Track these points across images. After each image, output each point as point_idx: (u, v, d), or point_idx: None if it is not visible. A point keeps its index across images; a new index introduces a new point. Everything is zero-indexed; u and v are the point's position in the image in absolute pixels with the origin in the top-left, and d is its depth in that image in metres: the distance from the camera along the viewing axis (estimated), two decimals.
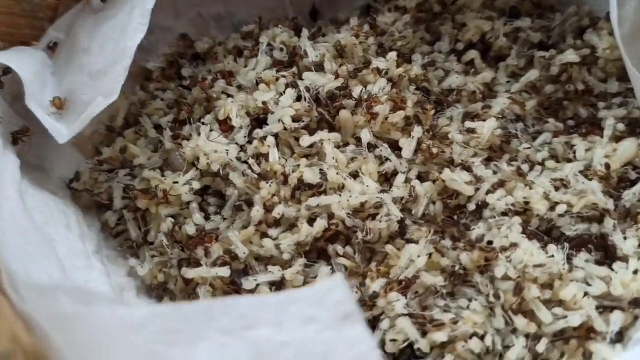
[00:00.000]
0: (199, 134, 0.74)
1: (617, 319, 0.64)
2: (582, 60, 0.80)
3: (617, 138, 0.76)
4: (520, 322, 0.64)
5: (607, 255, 0.70)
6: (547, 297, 0.65)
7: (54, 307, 0.42)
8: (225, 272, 0.66)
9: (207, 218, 0.73)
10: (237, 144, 0.74)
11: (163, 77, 0.83)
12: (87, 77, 0.72)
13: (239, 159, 0.73)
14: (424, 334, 0.64)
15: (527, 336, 0.64)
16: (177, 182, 0.72)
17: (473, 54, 0.82)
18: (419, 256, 0.66)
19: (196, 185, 0.73)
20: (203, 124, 0.76)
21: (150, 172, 0.74)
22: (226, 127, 0.75)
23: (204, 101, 0.78)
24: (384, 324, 0.64)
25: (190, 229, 0.71)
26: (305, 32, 0.82)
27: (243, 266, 0.68)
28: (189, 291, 0.69)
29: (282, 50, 0.80)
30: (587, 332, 0.64)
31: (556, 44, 0.83)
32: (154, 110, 0.79)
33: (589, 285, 0.67)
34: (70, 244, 0.67)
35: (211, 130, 0.75)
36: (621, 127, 0.76)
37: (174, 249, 0.70)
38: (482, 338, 0.64)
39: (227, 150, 0.73)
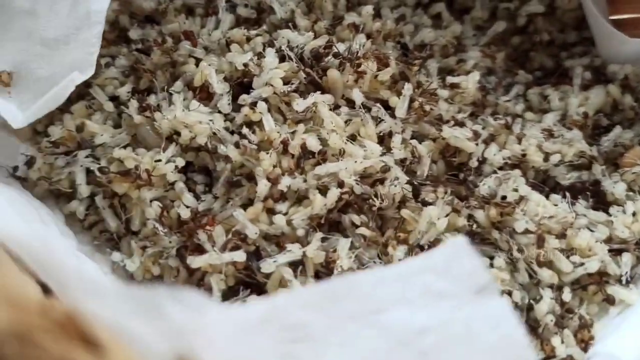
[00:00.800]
0: (172, 104, 0.64)
1: (627, 260, 0.65)
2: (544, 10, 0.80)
3: (585, 86, 0.77)
4: (545, 274, 0.63)
5: (600, 200, 0.71)
6: (563, 246, 0.65)
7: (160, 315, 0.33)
8: (240, 256, 0.58)
9: (195, 198, 0.64)
10: (220, 112, 0.65)
11: (106, 42, 0.70)
12: (40, 45, 0.60)
13: (226, 129, 0.64)
14: None
15: (550, 287, 0.64)
16: (159, 160, 0.62)
17: (440, 7, 0.78)
18: (438, 218, 0.63)
19: (180, 162, 0.63)
20: (174, 92, 0.66)
21: (120, 151, 0.63)
22: (204, 94, 0.66)
23: (167, 66, 0.68)
24: None
25: (183, 212, 0.61)
26: None
27: (253, 248, 0.61)
28: (194, 283, 0.60)
29: (245, 5, 0.72)
30: (601, 277, 0.65)
31: None
32: (105, 80, 0.68)
33: (592, 231, 0.67)
34: (59, 242, 0.55)
35: (185, 99, 0.66)
36: (588, 75, 0.77)
37: (172, 236, 0.60)
38: (509, 294, 0.62)
39: (211, 120, 0.64)
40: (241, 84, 0.66)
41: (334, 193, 0.61)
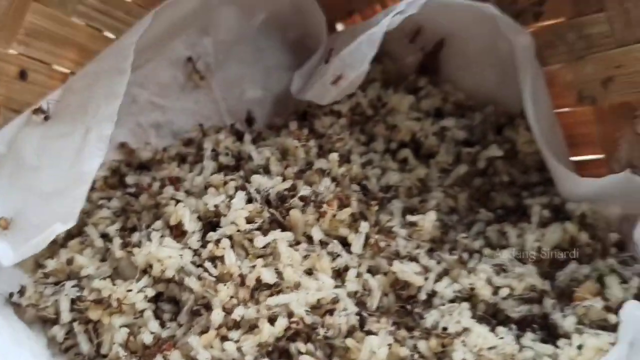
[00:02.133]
0: (150, 240, 0.73)
1: None
2: (505, 154, 0.86)
3: (543, 224, 0.81)
4: None
5: (550, 333, 0.72)
6: None
7: None
8: None
9: (162, 325, 0.70)
10: (190, 248, 0.73)
11: (106, 186, 0.81)
12: (38, 197, 0.70)
13: (193, 263, 0.71)
14: None
15: None
16: (130, 290, 0.70)
17: (406, 152, 0.86)
18: (379, 347, 0.66)
19: (150, 292, 0.71)
20: (153, 230, 0.74)
21: (100, 282, 0.71)
22: (178, 232, 0.74)
23: (152, 207, 0.77)
24: None
25: (146, 338, 0.68)
26: (247, 137, 0.84)
27: None
28: None
29: (227, 154, 0.81)
30: None
31: (479, 140, 0.88)
32: (99, 220, 0.77)
33: None
34: None
35: (162, 237, 0.74)
36: (546, 213, 0.81)
37: (132, 359, 0.67)
38: None
39: (181, 255, 0.71)
40: (211, 223, 0.74)
41: (282, 322, 0.66)
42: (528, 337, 0.71)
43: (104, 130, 0.71)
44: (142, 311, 0.70)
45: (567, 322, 0.72)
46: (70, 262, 0.74)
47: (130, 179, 0.81)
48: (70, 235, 0.77)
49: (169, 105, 0.89)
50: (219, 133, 0.84)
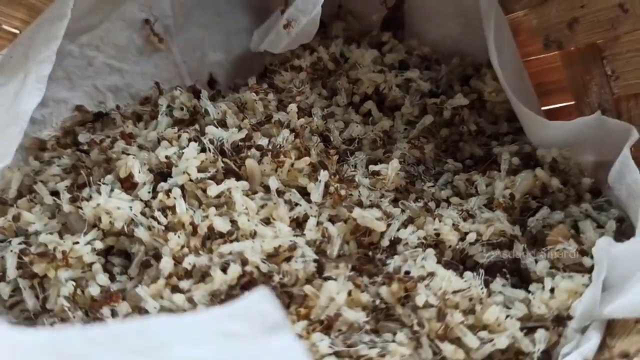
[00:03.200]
0: (99, 194, 0.69)
1: (541, 337, 0.62)
2: (471, 105, 0.82)
3: (513, 171, 0.77)
4: (447, 348, 0.60)
5: (522, 278, 0.69)
6: (471, 322, 0.62)
7: None
8: None
9: (112, 279, 0.66)
10: (141, 200, 0.69)
11: (59, 146, 0.77)
12: None
13: (143, 214, 0.68)
14: None
15: None
16: (77, 243, 0.66)
17: (369, 104, 0.82)
18: (338, 293, 0.62)
19: (98, 245, 0.67)
20: (103, 184, 0.70)
21: (46, 236, 0.67)
22: (128, 184, 0.70)
23: (103, 163, 0.73)
24: None
25: (94, 290, 0.64)
26: (205, 93, 0.80)
27: None
28: None
29: (182, 109, 0.78)
30: (515, 355, 0.62)
31: (445, 92, 0.85)
32: (49, 177, 0.73)
33: (509, 308, 0.65)
34: None
35: (112, 190, 0.70)
36: (516, 160, 0.77)
37: (76, 311, 0.63)
38: None
39: (131, 206, 0.67)
40: (162, 174, 0.70)
41: (234, 269, 0.62)
42: (498, 283, 0.67)
43: (42, 71, 0.68)
44: (90, 264, 0.66)
45: (540, 266, 0.68)
46: (16, 219, 0.70)
47: (82, 137, 0.77)
48: (20, 195, 0.74)
49: (127, 68, 0.86)
50: (176, 90, 0.80)
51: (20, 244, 0.68)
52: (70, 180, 0.73)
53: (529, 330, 0.63)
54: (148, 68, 0.88)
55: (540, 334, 0.62)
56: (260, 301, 0.42)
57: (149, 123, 0.79)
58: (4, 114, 0.68)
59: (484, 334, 0.62)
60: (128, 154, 0.73)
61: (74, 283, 0.65)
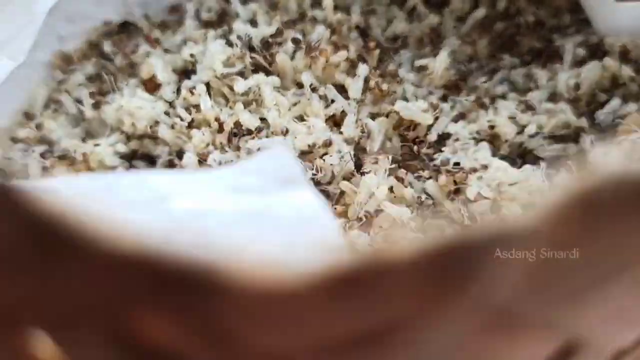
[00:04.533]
0: (122, 97, 0.64)
1: None
2: None
3: (578, 63, 0.67)
4: None
5: None
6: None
7: None
8: None
9: None
10: (165, 100, 0.63)
11: (84, 58, 0.72)
12: None
13: (167, 114, 0.62)
14: None
15: None
16: (98, 145, 0.61)
17: (414, 0, 0.74)
18: (378, 187, 0.55)
19: (121, 149, 0.62)
20: (125, 86, 0.65)
21: (68, 140, 0.62)
22: (152, 85, 0.64)
23: (127, 68, 0.68)
24: None
25: None
26: None
27: None
28: None
29: (209, 11, 0.72)
30: None
31: None
32: (74, 86, 0.69)
33: None
34: None
35: (135, 92, 0.64)
36: (581, 51, 0.68)
37: None
38: None
39: (153, 107, 0.62)
40: (187, 72, 0.65)
41: None
42: (563, 177, 0.58)
43: None
44: (113, 168, 0.61)
45: (610, 158, 0.59)
46: (39, 127, 0.65)
47: (108, 46, 0.72)
48: (47, 108, 0.69)
49: None
50: None
51: (44, 153, 0.64)
52: (95, 88, 0.68)
53: None
54: None
55: None
56: (276, 156, 0.36)
57: (176, 30, 0.73)
58: (20, 14, 0.63)
59: None
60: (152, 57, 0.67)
61: None
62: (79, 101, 0.68)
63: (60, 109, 0.68)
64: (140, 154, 0.63)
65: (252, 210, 0.34)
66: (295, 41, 0.65)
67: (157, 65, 0.64)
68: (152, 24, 0.74)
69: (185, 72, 0.65)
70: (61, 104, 0.68)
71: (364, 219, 0.54)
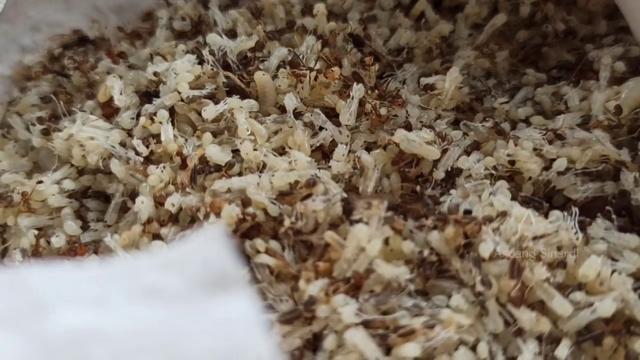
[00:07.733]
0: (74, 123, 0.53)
1: None
2: None
3: (617, 80, 0.55)
4: (525, 316, 0.41)
5: (632, 219, 0.48)
6: (560, 280, 0.43)
7: None
8: None
9: (86, 228, 0.51)
10: (122, 128, 0.52)
11: (44, 73, 0.62)
12: None
13: (123, 145, 0.51)
14: (388, 349, 0.40)
15: (539, 338, 0.41)
16: (41, 182, 0.50)
17: (422, 5, 0.62)
18: (369, 240, 0.43)
19: (69, 185, 0.51)
20: (80, 111, 0.54)
21: (10, 175, 0.52)
22: (108, 110, 0.54)
23: (85, 87, 0.58)
24: (329, 342, 0.41)
25: (57, 241, 0.48)
26: (214, 1, 0.62)
27: None
28: None
29: (183, 19, 0.61)
30: (625, 325, 0.42)
31: None
32: (26, 107, 0.58)
33: (616, 260, 0.44)
34: None
35: (88, 118, 0.54)
36: (620, 66, 0.56)
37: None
38: (473, 348, 0.41)
39: (107, 136, 0.51)
40: (148, 95, 0.54)
41: (228, 211, 0.45)
42: (599, 226, 0.46)
43: None
44: (59, 209, 0.51)
45: None
46: None
47: (67, 61, 0.61)
48: None
49: None
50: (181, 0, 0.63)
51: None
52: (48, 111, 0.58)
53: None
54: None
55: None
56: (207, 245, 0.25)
57: (147, 41, 0.62)
58: None
59: (579, 295, 0.42)
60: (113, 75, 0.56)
61: (36, 232, 0.50)
62: (33, 124, 0.57)
63: (10, 134, 0.58)
64: (93, 192, 0.52)
65: (158, 333, 0.23)
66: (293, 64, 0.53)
67: (116, 87, 0.53)
68: (123, 34, 0.63)
69: (147, 93, 0.54)
70: (11, 129, 0.57)
71: (351, 281, 0.43)
